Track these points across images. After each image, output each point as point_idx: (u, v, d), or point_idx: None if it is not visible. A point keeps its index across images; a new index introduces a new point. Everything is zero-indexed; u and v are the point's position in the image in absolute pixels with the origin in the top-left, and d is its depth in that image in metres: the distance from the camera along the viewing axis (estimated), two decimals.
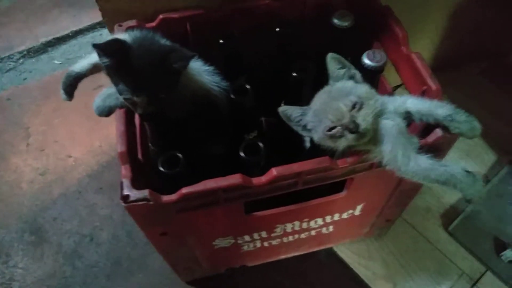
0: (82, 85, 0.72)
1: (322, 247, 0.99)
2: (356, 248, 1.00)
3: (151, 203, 0.57)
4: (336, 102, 0.57)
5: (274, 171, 0.59)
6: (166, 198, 0.58)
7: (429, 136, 0.61)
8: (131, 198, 0.56)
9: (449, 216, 1.04)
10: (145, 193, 0.56)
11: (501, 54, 1.30)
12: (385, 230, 0.98)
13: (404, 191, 0.77)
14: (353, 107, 0.56)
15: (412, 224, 1.03)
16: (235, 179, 0.58)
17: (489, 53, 1.27)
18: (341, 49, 0.78)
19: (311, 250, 0.98)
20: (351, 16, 0.76)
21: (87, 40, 1.45)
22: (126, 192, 0.57)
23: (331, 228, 0.86)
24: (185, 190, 0.57)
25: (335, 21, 0.76)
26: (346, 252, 1.00)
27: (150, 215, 0.60)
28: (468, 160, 1.13)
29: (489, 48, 1.25)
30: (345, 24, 0.76)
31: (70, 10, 1.51)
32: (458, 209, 1.05)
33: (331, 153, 0.60)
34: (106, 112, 0.67)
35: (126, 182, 0.58)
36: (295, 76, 0.69)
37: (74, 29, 1.46)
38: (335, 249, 1.00)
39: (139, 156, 0.72)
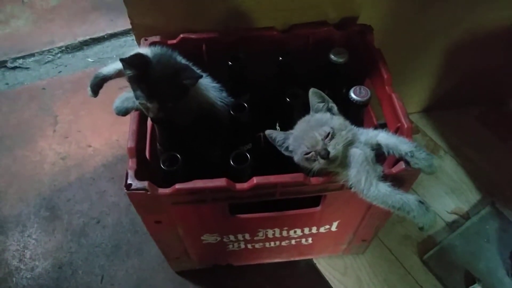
0: (109, 84, 0.83)
1: (302, 258, 1.08)
2: (334, 262, 1.08)
3: (149, 193, 0.68)
4: (313, 131, 0.67)
5: (255, 180, 0.69)
6: (161, 190, 0.69)
7: (394, 168, 0.70)
8: (133, 187, 0.67)
9: (426, 245, 1.11)
10: (145, 184, 0.67)
11: (498, 101, 1.36)
12: (362, 249, 1.06)
13: (375, 214, 0.85)
14: (326, 136, 0.66)
15: (390, 248, 1.11)
16: (220, 182, 0.68)
17: (486, 99, 1.34)
18: (335, 82, 0.89)
19: (292, 259, 1.07)
20: (346, 53, 0.86)
21: (119, 43, 1.60)
22: (129, 181, 0.68)
23: (310, 240, 0.94)
24: (178, 186, 0.68)
25: (332, 56, 0.86)
26: (324, 265, 1.08)
27: (147, 203, 0.71)
28: (452, 196, 1.20)
29: (487, 94, 1.32)
30: (341, 60, 0.85)
31: (108, 14, 1.67)
32: (435, 240, 1.12)
33: (307, 172, 0.70)
34: (123, 112, 0.79)
35: (131, 173, 0.69)
36: (287, 101, 0.79)
37: (110, 32, 1.62)
38: (315, 261, 1.09)
39: (147, 153, 0.83)
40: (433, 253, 1.09)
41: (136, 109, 0.78)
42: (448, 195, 1.20)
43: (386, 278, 1.06)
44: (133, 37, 0.93)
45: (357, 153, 0.67)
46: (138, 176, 0.69)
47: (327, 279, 1.06)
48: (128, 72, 0.69)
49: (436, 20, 1.01)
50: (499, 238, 1.12)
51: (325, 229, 0.90)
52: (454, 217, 1.16)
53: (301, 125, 0.71)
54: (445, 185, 1.22)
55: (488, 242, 1.11)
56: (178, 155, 0.72)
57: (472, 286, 1.03)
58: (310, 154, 0.66)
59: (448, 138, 1.32)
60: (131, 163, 0.70)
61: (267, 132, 0.72)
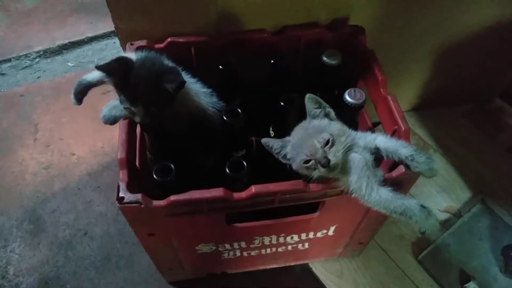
0: (92, 89, 0.79)
1: (298, 262, 1.06)
2: (330, 266, 1.07)
3: (142, 206, 0.64)
4: (311, 139, 0.65)
5: (253, 188, 0.66)
6: (156, 203, 0.65)
7: (393, 171, 0.69)
8: (126, 200, 0.64)
9: (420, 245, 1.10)
10: (138, 196, 0.64)
11: (485, 99, 1.38)
12: (358, 252, 1.05)
13: (373, 218, 0.84)
14: (326, 144, 0.64)
15: (385, 249, 1.10)
16: (217, 192, 0.65)
17: (473, 97, 1.35)
18: (328, 84, 0.88)
19: (287, 264, 1.05)
20: (339, 55, 0.84)
21: (100, 47, 1.55)
22: (121, 194, 0.65)
23: (306, 245, 0.93)
24: (173, 197, 0.65)
25: (324, 58, 0.84)
26: (320, 269, 1.07)
27: (140, 216, 0.68)
28: (443, 195, 1.20)
29: (474, 92, 1.33)
30: (333, 62, 0.84)
31: (88, 17, 1.62)
32: (429, 240, 1.11)
33: (307, 179, 0.68)
34: (111, 121, 0.75)
35: (123, 186, 0.66)
36: (282, 105, 0.77)
37: (90, 35, 1.56)
38: (310, 265, 1.07)
39: (137, 162, 0.80)
40: (427, 253, 1.09)
41: (125, 118, 0.74)
42: (439, 194, 1.20)
43: (382, 280, 1.06)
44: (115, 40, 0.90)
45: (357, 159, 0.66)
46: (130, 188, 0.66)
47: (324, 283, 1.05)
48: (107, 79, 0.66)
49: (425, 20, 1.01)
50: (490, 235, 1.12)
51: (322, 234, 0.89)
52: (446, 215, 1.16)
53: (299, 132, 0.69)
54: (436, 184, 1.22)
55: (481, 240, 1.12)
56: (171, 165, 0.69)
57: (467, 285, 1.03)
58: (310, 163, 0.64)
59: (437, 137, 1.32)
60: (122, 175, 0.67)
61: (263, 140, 0.69)
